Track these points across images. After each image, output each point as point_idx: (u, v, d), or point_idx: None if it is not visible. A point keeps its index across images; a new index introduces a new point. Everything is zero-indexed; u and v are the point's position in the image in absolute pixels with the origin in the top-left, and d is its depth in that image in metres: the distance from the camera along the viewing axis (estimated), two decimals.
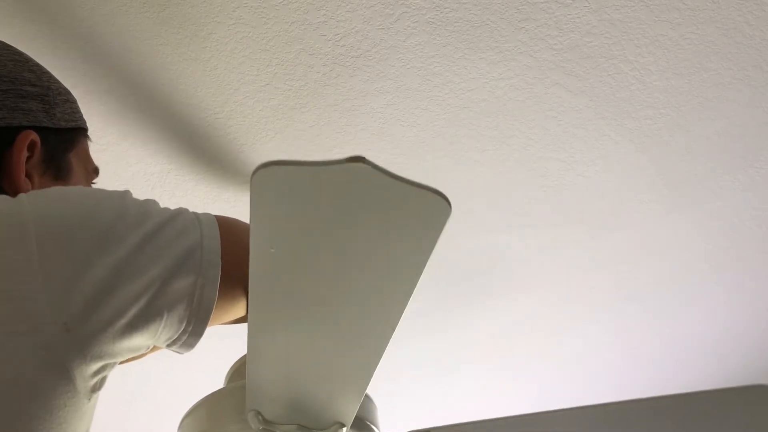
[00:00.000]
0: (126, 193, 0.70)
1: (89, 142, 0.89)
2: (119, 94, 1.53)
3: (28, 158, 0.74)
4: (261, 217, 0.66)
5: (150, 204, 0.70)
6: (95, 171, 0.89)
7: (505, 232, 2.07)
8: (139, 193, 1.79)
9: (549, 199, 1.94)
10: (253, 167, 1.73)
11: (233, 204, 1.85)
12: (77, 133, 0.82)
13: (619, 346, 2.81)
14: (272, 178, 0.63)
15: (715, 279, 2.39)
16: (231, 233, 0.72)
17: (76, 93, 1.52)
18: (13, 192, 0.72)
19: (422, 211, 0.66)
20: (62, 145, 0.80)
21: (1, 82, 0.71)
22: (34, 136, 0.74)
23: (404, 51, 1.47)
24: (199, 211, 1.83)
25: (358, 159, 0.62)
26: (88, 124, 1.61)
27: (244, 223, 0.76)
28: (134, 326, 0.63)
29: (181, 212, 0.71)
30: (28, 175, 0.74)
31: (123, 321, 0.62)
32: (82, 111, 1.58)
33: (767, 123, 1.75)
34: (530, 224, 2.04)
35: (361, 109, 1.61)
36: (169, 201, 1.83)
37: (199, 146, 1.67)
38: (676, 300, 2.50)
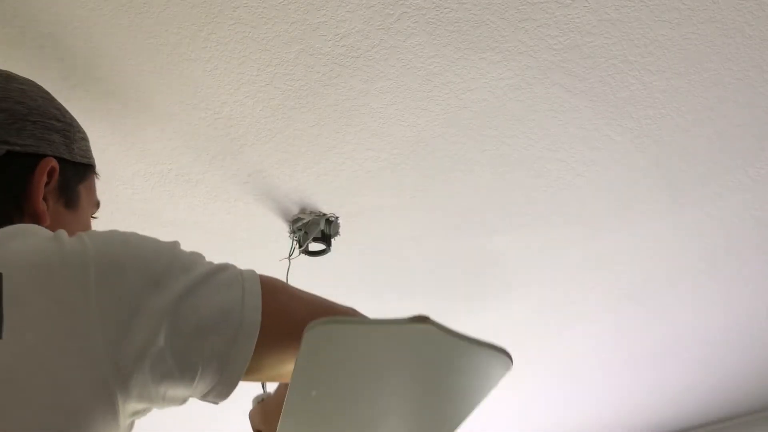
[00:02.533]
0: (175, 244, 0.73)
1: (96, 179, 0.94)
2: (119, 94, 1.53)
3: (47, 183, 0.80)
4: (308, 367, 0.65)
5: (196, 256, 0.74)
6: (97, 205, 0.94)
7: (505, 232, 2.07)
8: (140, 193, 1.79)
9: (549, 199, 1.94)
10: (254, 167, 1.74)
11: (233, 203, 1.85)
12: (88, 168, 0.90)
13: (618, 346, 2.81)
14: (327, 335, 0.62)
15: (715, 279, 2.39)
16: (272, 293, 0.73)
17: (76, 93, 1.53)
18: (30, 212, 0.77)
19: (483, 366, 0.66)
20: (76, 177, 0.85)
21: (32, 115, 0.78)
22: (54, 163, 0.80)
23: (404, 51, 1.47)
24: (201, 212, 1.82)
25: (424, 319, 0.61)
26: (89, 124, 1.62)
27: (285, 283, 0.78)
28: (171, 375, 0.66)
29: (226, 267, 0.73)
30: (45, 199, 0.80)
31: (162, 369, 0.65)
32: (83, 110, 1.59)
33: (767, 123, 1.75)
34: (530, 224, 2.04)
35: (361, 109, 1.61)
36: (169, 201, 1.83)
37: (199, 146, 1.67)
38: (675, 299, 2.50)
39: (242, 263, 2.25)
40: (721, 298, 2.51)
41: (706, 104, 1.67)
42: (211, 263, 0.73)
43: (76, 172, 0.84)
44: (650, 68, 1.55)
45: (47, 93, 0.86)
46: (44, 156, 0.78)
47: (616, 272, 2.31)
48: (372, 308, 2.45)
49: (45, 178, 0.78)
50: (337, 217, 1.94)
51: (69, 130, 0.83)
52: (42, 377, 0.58)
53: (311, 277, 2.18)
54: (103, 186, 1.78)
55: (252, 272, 0.74)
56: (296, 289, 0.79)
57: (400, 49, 1.47)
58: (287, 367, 0.77)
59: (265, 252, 2.03)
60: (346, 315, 0.79)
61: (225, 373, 0.69)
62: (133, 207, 1.84)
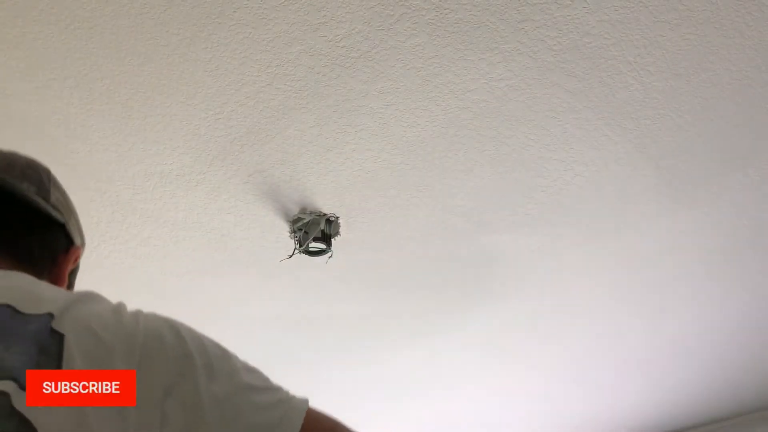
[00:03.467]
0: (228, 351, 0.76)
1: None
2: (120, 95, 1.53)
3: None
4: None
5: (249, 366, 0.76)
6: None
7: (505, 232, 2.07)
8: (141, 194, 1.80)
9: (549, 199, 1.94)
10: (255, 167, 1.75)
11: (234, 203, 1.86)
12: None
13: (618, 345, 2.82)
14: None
15: (714, 279, 2.39)
16: (313, 427, 0.73)
17: (77, 93, 1.54)
18: (56, 273, 0.88)
19: None
20: (75, 274, 0.98)
21: (75, 213, 0.92)
22: (80, 254, 0.92)
23: (404, 52, 1.48)
24: (201, 212, 1.82)
25: None
26: (90, 125, 1.63)
27: (333, 424, 0.77)
28: None
29: (278, 389, 0.75)
30: None
31: None
32: (85, 111, 1.60)
33: (767, 123, 1.75)
34: (530, 224, 2.05)
35: (362, 110, 1.62)
36: (170, 201, 1.84)
37: (200, 147, 1.68)
38: (674, 299, 2.50)
39: (242, 263, 2.25)
40: (720, 298, 2.52)
41: (705, 105, 1.67)
42: (264, 378, 0.75)
43: (77, 272, 0.96)
44: (649, 69, 1.56)
45: None
46: (75, 245, 0.91)
47: (616, 272, 2.31)
48: (372, 308, 2.47)
49: (73, 260, 0.90)
50: (337, 217, 1.95)
51: (84, 240, 0.95)
52: None
53: (311, 277, 2.18)
54: (104, 186, 1.78)
55: (302, 403, 0.75)
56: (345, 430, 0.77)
57: (400, 50, 1.47)
58: None
59: (266, 252, 2.04)
60: None
61: None
62: (134, 207, 1.84)
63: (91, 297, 0.72)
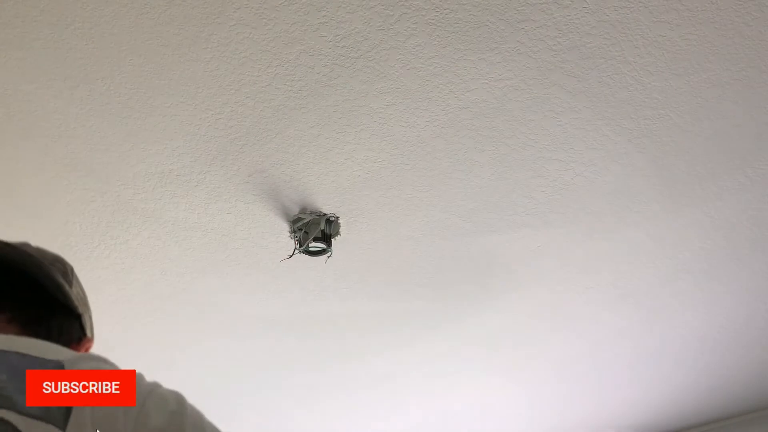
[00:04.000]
0: None
1: None
2: (121, 95, 1.53)
3: None
4: None
5: None
6: None
7: (505, 232, 2.07)
8: (141, 194, 1.80)
9: (548, 199, 1.95)
10: (255, 167, 1.75)
11: (234, 204, 1.86)
12: None
13: (617, 345, 2.82)
14: None
15: (714, 279, 2.39)
16: None
17: (78, 93, 1.54)
18: None
19: None
20: None
21: (89, 307, 1.00)
22: (90, 346, 0.99)
23: (404, 52, 1.48)
24: (202, 212, 1.83)
25: None
26: (90, 125, 1.63)
27: None
28: None
29: None
30: None
31: None
32: (85, 111, 1.60)
33: (767, 123, 1.75)
34: (530, 224, 2.05)
35: (362, 110, 1.62)
36: (170, 201, 1.84)
37: (200, 147, 1.68)
38: (674, 299, 2.50)
39: (242, 263, 2.25)
40: (720, 298, 2.52)
41: (704, 104, 1.67)
42: None
43: None
44: (649, 69, 1.56)
45: None
46: (87, 336, 0.99)
47: (616, 272, 2.31)
48: (372, 308, 2.47)
49: (83, 350, 0.98)
50: (337, 217, 1.95)
51: (94, 335, 1.02)
52: None
53: (311, 277, 2.18)
54: (104, 186, 1.79)
55: None
56: None
57: (400, 50, 1.47)
58: None
59: (266, 252, 2.04)
60: None
61: None
62: (134, 207, 1.84)
63: (105, 360, 0.77)
